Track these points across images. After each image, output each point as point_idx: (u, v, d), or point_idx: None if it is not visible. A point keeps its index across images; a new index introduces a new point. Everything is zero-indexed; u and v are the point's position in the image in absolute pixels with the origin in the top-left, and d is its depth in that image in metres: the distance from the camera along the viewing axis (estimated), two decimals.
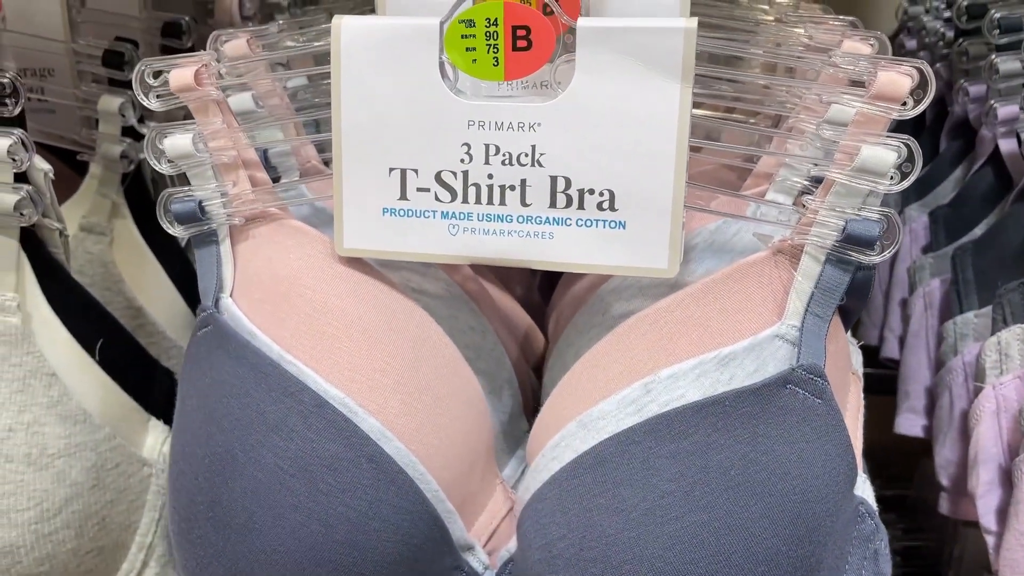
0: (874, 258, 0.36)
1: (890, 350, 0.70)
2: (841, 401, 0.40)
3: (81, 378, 0.49)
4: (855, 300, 0.39)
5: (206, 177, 0.40)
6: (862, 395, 0.44)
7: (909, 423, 0.65)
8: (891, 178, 0.35)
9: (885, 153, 0.35)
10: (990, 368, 0.51)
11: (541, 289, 0.58)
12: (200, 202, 0.40)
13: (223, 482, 0.38)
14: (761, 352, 0.36)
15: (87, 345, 0.49)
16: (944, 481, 0.59)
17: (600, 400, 0.38)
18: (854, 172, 0.35)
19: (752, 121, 0.46)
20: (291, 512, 0.37)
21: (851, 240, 0.35)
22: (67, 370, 0.48)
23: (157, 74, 0.39)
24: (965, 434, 0.56)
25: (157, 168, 0.40)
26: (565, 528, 0.37)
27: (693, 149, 0.39)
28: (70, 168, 0.58)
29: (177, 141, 0.39)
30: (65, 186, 0.54)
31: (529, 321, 0.51)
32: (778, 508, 0.35)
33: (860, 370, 0.45)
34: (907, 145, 0.34)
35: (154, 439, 0.52)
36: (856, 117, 0.35)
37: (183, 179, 0.41)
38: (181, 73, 0.39)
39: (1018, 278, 0.52)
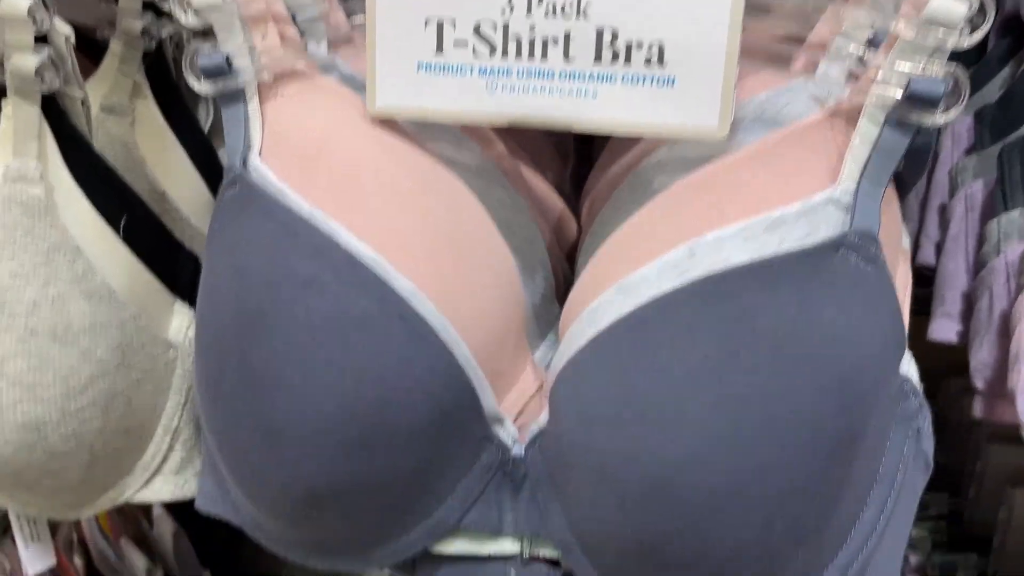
0: (937, 119, 0.34)
1: (926, 256, 0.68)
2: (892, 275, 0.39)
3: (105, 254, 0.48)
4: (912, 168, 0.37)
5: (233, 31, 0.38)
6: (910, 273, 0.42)
7: (944, 328, 0.63)
8: (961, 31, 0.33)
9: (955, 4, 0.33)
10: None
11: (573, 180, 0.56)
12: (227, 57, 0.39)
13: (253, 339, 0.37)
14: (813, 216, 0.35)
15: (111, 221, 0.48)
16: (979, 384, 0.57)
17: (640, 265, 0.36)
18: (922, 24, 0.33)
19: None
20: (322, 369, 0.36)
21: (914, 99, 0.34)
22: (91, 245, 0.47)
23: None
24: (1005, 334, 0.55)
25: (182, 20, 0.38)
26: (602, 390, 0.36)
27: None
28: (88, 58, 0.56)
29: None
30: (84, 75, 0.53)
31: (562, 206, 0.49)
32: (826, 374, 0.34)
33: (908, 249, 0.43)
34: None
35: (179, 322, 0.51)
36: None
37: None
38: None
39: None
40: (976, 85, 0.66)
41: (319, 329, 0.36)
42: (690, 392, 0.34)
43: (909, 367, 0.39)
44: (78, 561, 0.76)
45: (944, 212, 0.65)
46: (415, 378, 0.37)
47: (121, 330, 0.48)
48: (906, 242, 0.43)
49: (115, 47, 0.54)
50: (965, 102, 0.34)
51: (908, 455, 0.39)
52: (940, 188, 0.66)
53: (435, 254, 0.38)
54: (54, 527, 0.67)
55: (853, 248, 0.34)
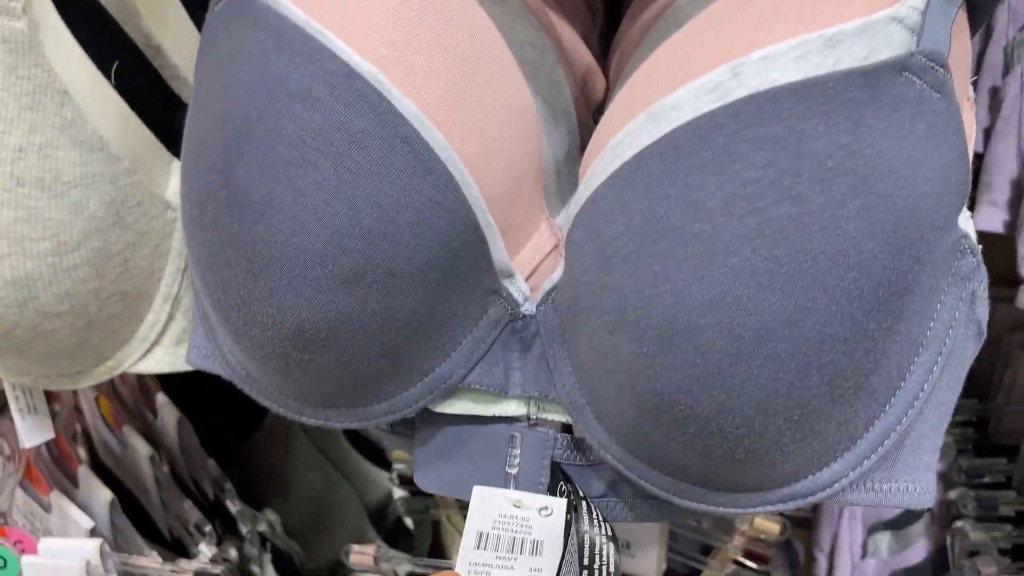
0: None
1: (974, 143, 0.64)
2: None
3: (96, 101, 0.44)
4: None
5: None
6: (974, 123, 0.39)
7: (988, 217, 0.60)
8: None
9: None
10: None
11: (600, 42, 0.52)
12: None
13: (239, 156, 0.34)
14: (874, 35, 0.31)
15: (102, 66, 0.44)
16: None
17: (675, 89, 0.32)
18: None
19: None
20: (314, 189, 0.33)
21: None
22: (80, 90, 0.43)
23: None
24: None
25: None
26: (624, 224, 0.32)
27: None
28: None
29: None
30: None
31: (591, 59, 0.45)
32: (879, 209, 0.30)
33: (972, 97, 0.39)
34: None
35: (177, 182, 0.48)
36: None
37: None
38: None
39: None
40: None
41: (310, 146, 0.33)
42: (723, 223, 0.30)
43: (967, 223, 0.36)
44: (81, 452, 0.75)
45: (996, 94, 0.61)
46: (417, 209, 0.34)
47: (114, 184, 0.45)
48: (971, 91, 0.39)
49: None
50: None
51: (960, 319, 0.35)
52: (992, 68, 0.62)
53: (444, 79, 0.34)
54: (53, 416, 0.65)
55: (919, 72, 0.31)
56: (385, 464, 0.92)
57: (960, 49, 0.34)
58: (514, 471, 0.39)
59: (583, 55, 0.44)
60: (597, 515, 0.37)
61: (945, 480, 0.77)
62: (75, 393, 0.73)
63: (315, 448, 0.92)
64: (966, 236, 0.35)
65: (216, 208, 0.35)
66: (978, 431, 0.79)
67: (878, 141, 0.30)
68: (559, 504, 0.37)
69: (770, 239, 0.30)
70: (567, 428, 0.40)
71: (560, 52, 0.42)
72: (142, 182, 0.46)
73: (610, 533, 0.37)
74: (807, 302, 0.30)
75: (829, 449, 0.35)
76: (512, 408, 0.40)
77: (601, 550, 0.36)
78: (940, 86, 0.31)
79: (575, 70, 0.44)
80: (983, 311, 0.36)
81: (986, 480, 0.72)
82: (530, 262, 0.39)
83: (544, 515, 0.37)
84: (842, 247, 0.30)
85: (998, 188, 0.59)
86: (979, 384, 0.83)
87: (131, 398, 0.79)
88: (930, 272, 0.33)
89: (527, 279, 0.39)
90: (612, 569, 0.35)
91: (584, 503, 0.37)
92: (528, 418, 0.40)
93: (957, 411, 0.82)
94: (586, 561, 0.35)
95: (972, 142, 0.38)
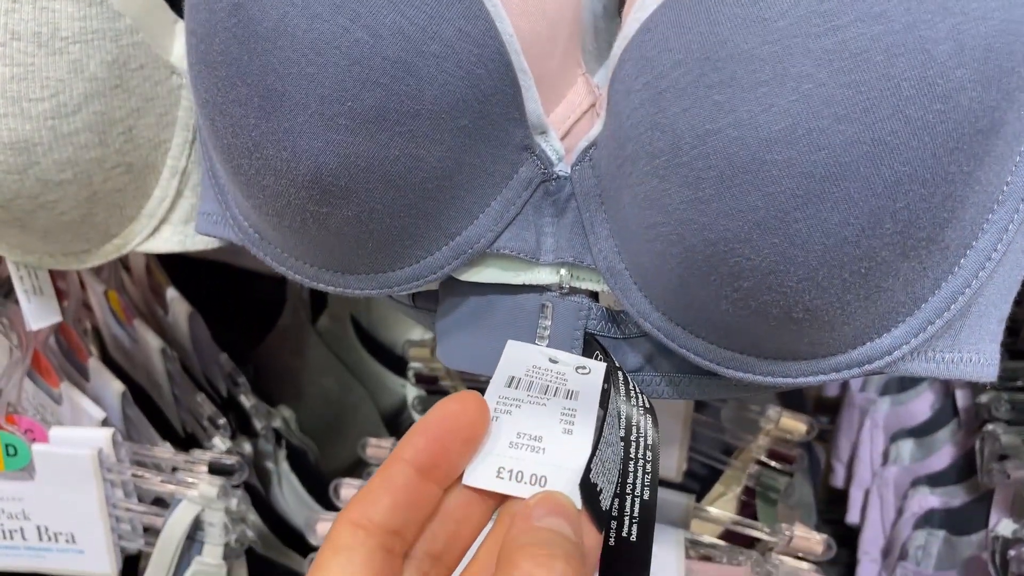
0: None
1: None
2: None
3: None
4: None
5: None
6: None
7: None
8: None
9: None
10: None
11: None
12: None
13: None
14: None
15: None
16: None
17: None
18: None
19: None
20: (331, 13, 0.30)
21: None
22: None
23: None
24: None
25: None
26: (682, 52, 0.29)
27: None
28: None
29: None
30: None
31: None
32: (970, 32, 0.27)
33: None
34: None
35: (183, 46, 0.45)
36: None
37: None
38: None
39: None
40: None
41: None
42: (797, 44, 0.27)
43: None
44: (92, 348, 0.74)
45: None
46: (445, 40, 0.31)
47: (116, 43, 0.42)
48: None
49: None
50: None
51: None
52: None
53: None
54: (62, 310, 0.63)
55: None
56: (400, 370, 0.91)
57: None
58: (544, 343, 0.37)
59: None
60: (634, 387, 0.35)
61: (972, 387, 0.75)
62: (84, 288, 0.71)
63: (329, 352, 0.91)
64: None
65: (224, 39, 0.32)
66: (1011, 335, 0.77)
67: None
68: (597, 366, 0.35)
69: (849, 62, 0.27)
70: (599, 299, 0.38)
71: None
72: (145, 42, 0.43)
73: (647, 405, 0.35)
74: (887, 135, 0.27)
75: (893, 311, 0.32)
76: (544, 276, 0.37)
77: (638, 422, 0.34)
78: None
79: None
80: None
81: (1019, 383, 0.70)
82: (565, 120, 0.37)
83: (581, 373, 0.35)
84: (928, 73, 0.27)
85: None
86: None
87: (140, 295, 0.77)
88: (1015, 115, 0.29)
89: (562, 139, 0.36)
90: (650, 441, 0.33)
91: (620, 374, 0.35)
92: (560, 287, 0.37)
93: None
94: (622, 433, 0.33)
95: None
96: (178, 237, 0.49)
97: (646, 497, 0.32)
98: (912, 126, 0.27)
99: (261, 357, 0.92)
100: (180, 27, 0.45)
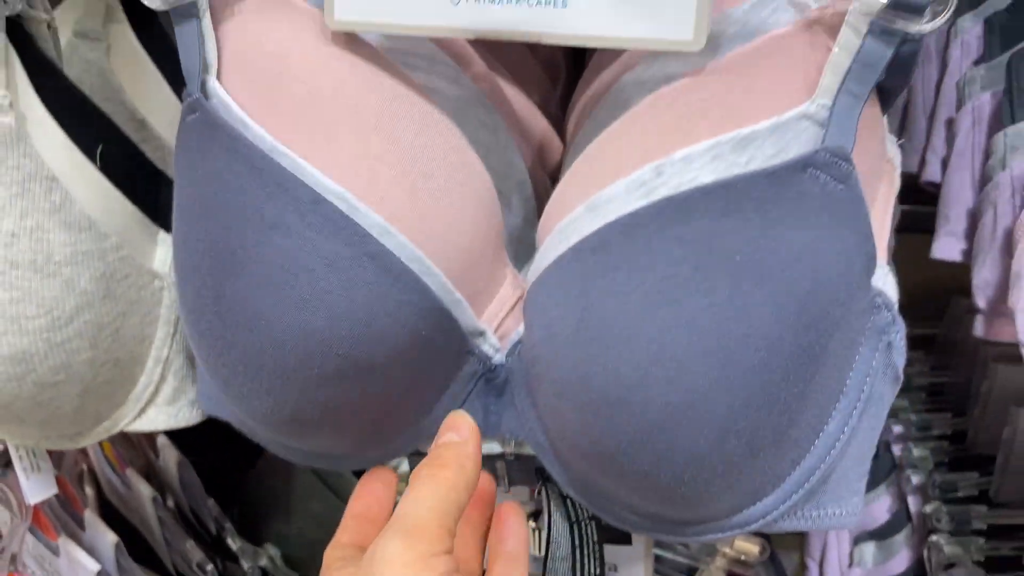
0: (924, 27, 0.32)
1: (932, 173, 0.66)
2: (872, 189, 0.38)
3: (83, 184, 0.47)
4: (897, 78, 0.35)
5: None
6: (897, 183, 0.41)
7: (947, 246, 0.62)
8: None
9: None
10: None
11: (564, 98, 0.54)
12: None
13: (225, 277, 0.38)
14: (784, 134, 0.34)
15: (86, 150, 0.47)
16: (981, 303, 0.56)
17: (609, 183, 0.36)
18: None
19: None
20: (295, 308, 0.37)
21: (899, 5, 0.32)
22: (67, 175, 0.46)
23: None
24: (1008, 252, 0.53)
25: None
26: (564, 309, 0.36)
27: None
28: None
29: None
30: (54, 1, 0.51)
31: (546, 125, 0.48)
32: (783, 295, 0.33)
33: (897, 159, 0.42)
34: None
35: (164, 252, 0.51)
36: None
37: None
38: None
39: None
40: None
41: (288, 270, 0.36)
42: (645, 313, 0.34)
43: (884, 281, 0.39)
44: (89, 491, 0.78)
45: (951, 126, 0.63)
46: (388, 313, 0.37)
47: (103, 260, 0.48)
48: (892, 150, 0.42)
49: None
50: (952, 8, 0.32)
51: (877, 368, 0.38)
52: (948, 101, 0.64)
53: (406, 183, 0.37)
54: (59, 458, 0.68)
55: (822, 167, 0.33)
56: None
57: (871, 130, 0.36)
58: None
59: (538, 123, 0.47)
60: (579, 504, 0.41)
61: (922, 494, 0.79)
62: None
63: (316, 477, 0.95)
64: (880, 294, 0.38)
65: (210, 319, 0.39)
66: (955, 445, 0.81)
67: (783, 235, 0.33)
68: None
69: (685, 328, 0.33)
70: None
71: (515, 125, 0.45)
72: (130, 256, 0.49)
73: (591, 514, 0.41)
74: (721, 380, 0.33)
75: (759, 488, 0.39)
76: (493, 447, 0.45)
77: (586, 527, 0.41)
78: (844, 178, 0.34)
79: (531, 139, 0.47)
80: (900, 358, 0.40)
81: (960, 494, 0.74)
82: (497, 315, 0.43)
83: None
84: (750, 332, 0.33)
85: (955, 218, 0.61)
86: (954, 398, 0.85)
87: (135, 437, 0.82)
88: (843, 333, 0.36)
89: (496, 330, 0.43)
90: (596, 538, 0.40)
91: (568, 500, 0.41)
92: (506, 455, 0.45)
93: (933, 425, 0.84)
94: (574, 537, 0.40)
95: (892, 203, 0.41)
96: (163, 417, 0.54)
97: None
98: (741, 371, 0.33)
99: (251, 483, 0.96)
100: (161, 236, 0.51)
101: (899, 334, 0.39)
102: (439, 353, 0.40)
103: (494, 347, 0.42)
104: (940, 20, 0.32)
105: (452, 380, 0.42)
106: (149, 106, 0.54)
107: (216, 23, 0.38)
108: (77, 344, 0.48)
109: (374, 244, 0.36)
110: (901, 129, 0.75)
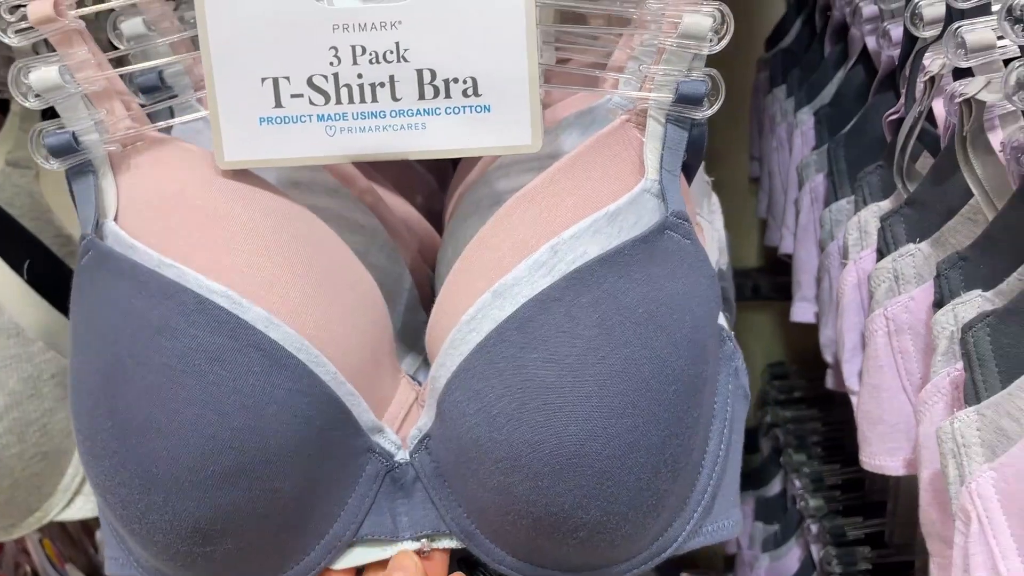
0: (705, 113, 0.41)
1: (786, 246, 0.74)
2: None
3: (11, 296, 0.53)
4: (693, 155, 0.43)
5: (77, 109, 0.41)
6: (708, 236, 0.49)
7: (802, 311, 0.70)
8: (710, 40, 0.39)
9: (702, 19, 0.39)
10: (852, 245, 0.56)
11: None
12: (74, 133, 0.41)
13: (116, 389, 0.40)
14: (638, 206, 0.41)
15: (15, 265, 0.53)
16: (828, 358, 0.64)
17: (511, 268, 0.41)
18: (679, 38, 0.40)
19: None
20: (185, 407, 0.39)
21: (683, 99, 0.40)
22: None
23: (14, 8, 0.39)
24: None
25: (25, 104, 0.41)
26: (502, 387, 0.40)
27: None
28: None
29: (44, 74, 0.40)
30: None
31: (426, 224, 0.55)
32: (678, 334, 0.40)
33: (700, 221, 0.49)
34: (720, 11, 0.39)
35: None
36: None
37: None
38: (39, 5, 0.39)
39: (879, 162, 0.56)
40: (818, 88, 0.72)
41: (176, 371, 0.39)
42: (581, 372, 0.39)
43: (721, 317, 0.46)
44: None
45: (797, 204, 0.71)
46: (278, 402, 0.39)
47: (31, 363, 0.53)
48: (700, 215, 0.50)
49: (15, 106, 0.59)
50: (723, 97, 0.40)
51: (732, 390, 0.45)
52: (793, 183, 0.73)
53: (291, 281, 0.41)
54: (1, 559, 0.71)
55: (674, 228, 0.41)
56: None
57: (684, 196, 0.43)
58: None
59: (419, 223, 0.54)
60: None
61: (821, 541, 0.85)
62: (23, 536, 0.79)
63: None
64: (723, 327, 0.45)
65: (104, 437, 0.40)
66: (849, 493, 0.87)
67: (664, 286, 0.40)
68: None
69: (615, 378, 0.39)
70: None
71: (399, 227, 0.51)
72: (55, 357, 0.54)
73: None
74: (652, 418, 0.39)
75: (673, 513, 0.44)
76: (407, 546, 0.45)
77: None
78: (689, 235, 0.41)
79: (413, 237, 0.53)
80: (744, 380, 0.46)
81: (850, 537, 0.80)
82: (398, 416, 0.46)
83: None
84: (662, 369, 0.39)
85: (806, 285, 0.69)
86: (847, 449, 0.92)
87: (76, 534, 0.85)
88: (710, 364, 0.43)
89: (398, 429, 0.46)
90: None
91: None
92: (421, 551, 0.46)
93: (827, 476, 0.90)
94: None
95: (714, 253, 0.48)
96: (90, 506, 0.58)
97: None
98: (664, 404, 0.40)
99: None
100: None
101: (740, 360, 0.46)
102: (337, 447, 0.42)
103: (395, 444, 0.44)
104: (716, 106, 0.41)
105: (356, 482, 0.44)
106: (74, 222, 0.60)
107: (116, 175, 0.42)
108: (7, 440, 0.52)
109: (259, 336, 0.39)
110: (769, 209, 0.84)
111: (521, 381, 0.40)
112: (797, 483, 0.90)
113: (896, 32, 0.55)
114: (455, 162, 0.63)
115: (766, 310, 0.72)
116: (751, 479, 1.05)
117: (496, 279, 0.41)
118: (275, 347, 0.40)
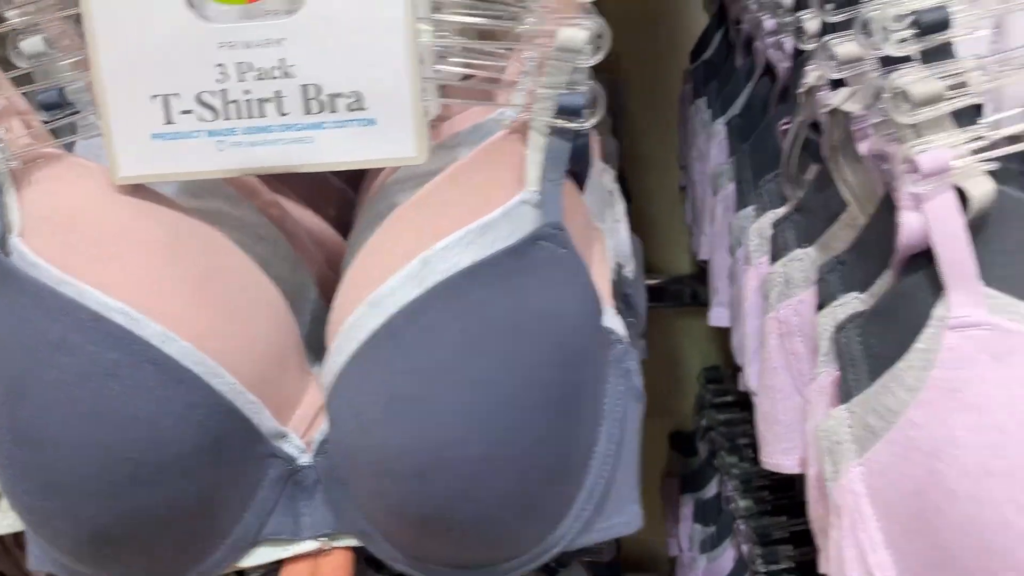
0: (584, 125, 0.42)
1: (704, 253, 0.76)
2: (587, 250, 0.46)
3: None
4: (579, 164, 0.45)
5: None
6: (606, 244, 0.50)
7: (719, 316, 0.72)
8: (587, 53, 0.41)
9: (577, 32, 0.40)
10: (754, 251, 0.57)
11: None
12: None
13: (16, 403, 0.41)
14: (513, 217, 0.42)
15: None
16: (739, 361, 0.65)
17: (386, 279, 0.42)
18: (556, 52, 0.41)
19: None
20: (81, 421, 0.40)
21: (563, 112, 0.41)
22: None
23: None
24: None
25: None
26: (372, 396, 0.41)
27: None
28: None
29: None
30: None
31: (337, 237, 0.56)
32: (544, 343, 0.41)
33: (600, 225, 0.51)
34: (596, 23, 0.40)
35: None
36: (551, 4, 0.41)
37: None
38: None
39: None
40: (730, 99, 0.74)
41: (73, 386, 0.40)
42: (445, 382, 0.40)
43: (613, 321, 0.47)
44: None
45: (712, 213, 0.73)
46: (175, 415, 0.41)
47: None
48: (600, 220, 0.51)
49: None
50: (603, 110, 0.42)
51: (623, 391, 0.46)
52: (710, 192, 0.75)
53: (188, 295, 0.42)
54: None
55: (547, 238, 0.41)
56: None
57: (574, 206, 0.45)
58: None
59: (328, 234, 0.55)
60: None
61: (748, 539, 0.87)
62: None
63: None
64: (612, 331, 0.46)
65: (8, 450, 0.42)
66: (777, 494, 0.89)
67: (532, 295, 0.41)
68: None
69: (479, 387, 0.40)
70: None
71: (300, 235, 0.52)
72: None
73: None
74: (518, 423, 0.41)
75: (558, 512, 0.45)
76: (307, 546, 0.48)
77: None
78: (564, 244, 0.42)
79: (320, 247, 0.54)
80: (638, 380, 0.47)
81: (775, 536, 0.82)
82: (306, 418, 0.48)
83: None
84: (527, 377, 0.41)
85: (722, 291, 0.71)
86: None
87: (9, 546, 0.84)
88: (591, 367, 0.44)
89: (305, 433, 0.47)
90: None
91: None
92: (321, 550, 0.48)
93: (756, 477, 0.92)
94: None
95: (606, 258, 0.50)
96: (9, 521, 0.58)
97: None
98: (528, 413, 0.41)
99: None
100: None
101: (633, 361, 0.47)
102: (238, 454, 0.44)
103: (299, 448, 0.46)
104: (597, 117, 0.42)
105: (259, 485, 0.46)
106: None
107: (18, 191, 0.43)
108: None
109: (154, 351, 0.40)
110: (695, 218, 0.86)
111: (389, 390, 0.41)
112: (729, 485, 0.92)
113: (789, 45, 0.58)
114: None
115: (703, 315, 0.73)
116: (690, 482, 1.06)
117: (373, 289, 0.42)
118: (170, 362, 0.41)
